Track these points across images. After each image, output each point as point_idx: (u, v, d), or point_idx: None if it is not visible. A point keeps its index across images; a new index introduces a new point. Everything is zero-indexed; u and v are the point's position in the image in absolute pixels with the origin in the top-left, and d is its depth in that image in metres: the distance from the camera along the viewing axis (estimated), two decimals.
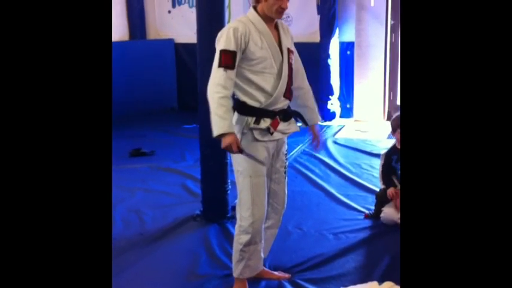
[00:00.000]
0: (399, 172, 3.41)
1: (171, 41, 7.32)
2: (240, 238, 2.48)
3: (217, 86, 2.26)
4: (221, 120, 2.24)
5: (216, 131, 2.27)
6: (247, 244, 2.46)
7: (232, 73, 2.28)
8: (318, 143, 2.74)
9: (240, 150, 2.32)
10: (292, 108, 2.56)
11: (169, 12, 7.35)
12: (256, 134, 2.38)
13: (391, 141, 4.53)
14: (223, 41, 2.29)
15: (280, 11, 2.34)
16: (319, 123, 2.76)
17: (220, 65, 2.26)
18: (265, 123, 2.39)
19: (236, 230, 2.51)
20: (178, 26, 7.24)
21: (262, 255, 2.60)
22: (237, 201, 2.52)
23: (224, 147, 2.30)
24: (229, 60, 2.26)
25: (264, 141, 2.41)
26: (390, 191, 3.39)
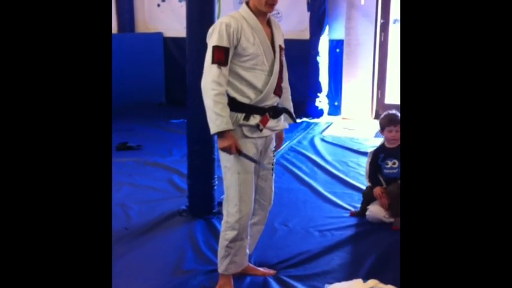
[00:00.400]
0: (385, 171, 3.42)
1: (160, 34, 7.27)
2: (226, 234, 2.48)
3: (212, 83, 2.25)
4: (218, 117, 2.24)
5: (213, 128, 2.27)
6: (233, 240, 2.46)
7: (225, 69, 2.27)
8: (278, 146, 2.72)
9: (239, 152, 2.33)
10: None
11: (158, 5, 7.30)
12: (246, 131, 2.37)
13: (379, 140, 4.55)
14: (215, 36, 2.27)
15: (271, 3, 2.32)
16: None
17: (213, 62, 2.26)
18: (255, 119, 2.38)
19: (222, 226, 2.51)
20: (168, 19, 7.20)
21: (247, 251, 2.60)
22: (223, 197, 2.51)
23: (221, 149, 2.31)
24: (222, 56, 2.25)
25: (253, 137, 2.40)
26: (376, 190, 3.40)
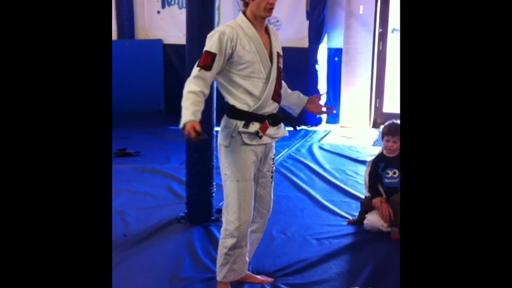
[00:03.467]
0: (385, 180, 3.42)
1: (159, 41, 7.28)
2: (225, 242, 2.47)
3: (188, 82, 2.29)
4: (184, 110, 2.23)
5: (181, 123, 2.22)
6: (233, 248, 2.46)
7: (206, 73, 2.28)
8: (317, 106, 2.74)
9: (199, 134, 2.18)
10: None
11: (158, 12, 7.32)
12: (245, 138, 2.38)
13: (377, 148, 4.56)
14: (208, 42, 2.32)
15: (269, 7, 2.33)
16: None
17: (198, 65, 2.29)
18: (254, 127, 2.39)
19: (222, 234, 2.51)
20: (167, 26, 7.21)
21: (247, 259, 2.60)
22: (222, 204, 2.52)
23: (187, 137, 2.21)
24: (207, 61, 2.28)
25: (252, 145, 2.41)
26: (376, 200, 3.39)
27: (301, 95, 2.68)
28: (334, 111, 2.75)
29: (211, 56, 2.28)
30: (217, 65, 2.29)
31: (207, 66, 2.28)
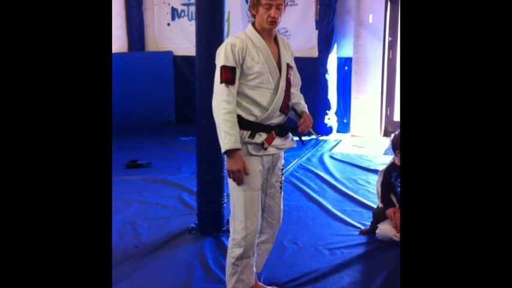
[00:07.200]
0: (398, 189, 3.39)
1: (169, 53, 7.35)
2: (232, 252, 2.47)
3: (221, 102, 2.28)
4: (226, 136, 2.28)
5: (223, 147, 2.30)
6: (240, 258, 2.45)
7: (233, 88, 2.30)
8: (306, 125, 2.48)
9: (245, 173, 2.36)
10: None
11: (168, 24, 7.39)
12: (251, 149, 2.38)
13: (388, 157, 4.54)
14: (222, 57, 2.31)
15: (270, 20, 2.34)
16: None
17: (221, 81, 2.29)
18: (260, 137, 2.39)
19: (229, 244, 2.51)
20: (178, 38, 7.28)
21: (254, 269, 2.59)
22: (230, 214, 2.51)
23: (228, 171, 2.34)
24: (229, 76, 2.29)
25: (258, 155, 2.40)
26: (390, 211, 3.37)
27: (303, 109, 2.57)
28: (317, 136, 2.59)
29: (231, 69, 2.29)
30: (237, 77, 2.31)
31: (231, 81, 2.29)
